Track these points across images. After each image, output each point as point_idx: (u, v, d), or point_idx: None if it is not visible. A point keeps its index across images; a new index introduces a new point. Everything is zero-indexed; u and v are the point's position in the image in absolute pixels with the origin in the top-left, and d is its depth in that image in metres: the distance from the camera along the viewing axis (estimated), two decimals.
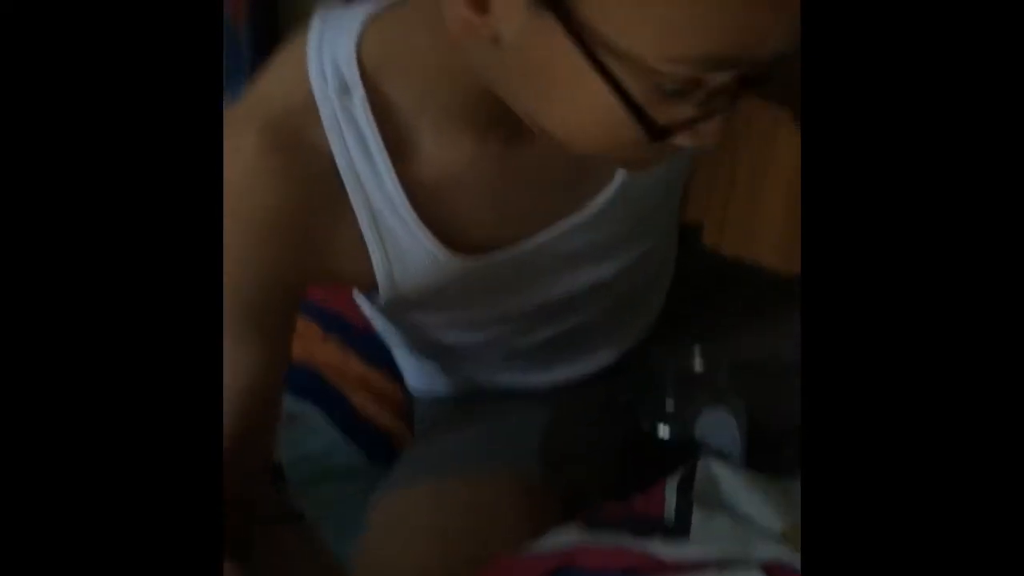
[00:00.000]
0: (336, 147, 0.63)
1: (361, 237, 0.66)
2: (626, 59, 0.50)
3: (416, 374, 0.91)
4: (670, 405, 0.72)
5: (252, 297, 0.63)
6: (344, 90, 0.62)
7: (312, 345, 0.95)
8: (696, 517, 0.63)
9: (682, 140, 0.55)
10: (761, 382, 0.76)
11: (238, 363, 0.62)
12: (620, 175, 0.69)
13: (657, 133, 0.53)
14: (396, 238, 0.66)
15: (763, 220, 1.58)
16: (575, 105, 0.55)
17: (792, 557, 0.57)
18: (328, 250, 0.66)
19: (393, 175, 0.64)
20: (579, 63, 0.51)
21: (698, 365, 0.66)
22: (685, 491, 0.65)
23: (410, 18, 0.61)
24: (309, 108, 0.62)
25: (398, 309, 0.76)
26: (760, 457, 0.73)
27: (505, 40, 0.53)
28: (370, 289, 0.71)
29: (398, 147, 0.64)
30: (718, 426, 0.71)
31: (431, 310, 0.76)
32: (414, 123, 0.64)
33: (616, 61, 0.50)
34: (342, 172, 0.63)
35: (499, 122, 0.63)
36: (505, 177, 0.67)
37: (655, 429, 0.73)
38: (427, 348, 0.84)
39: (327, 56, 0.62)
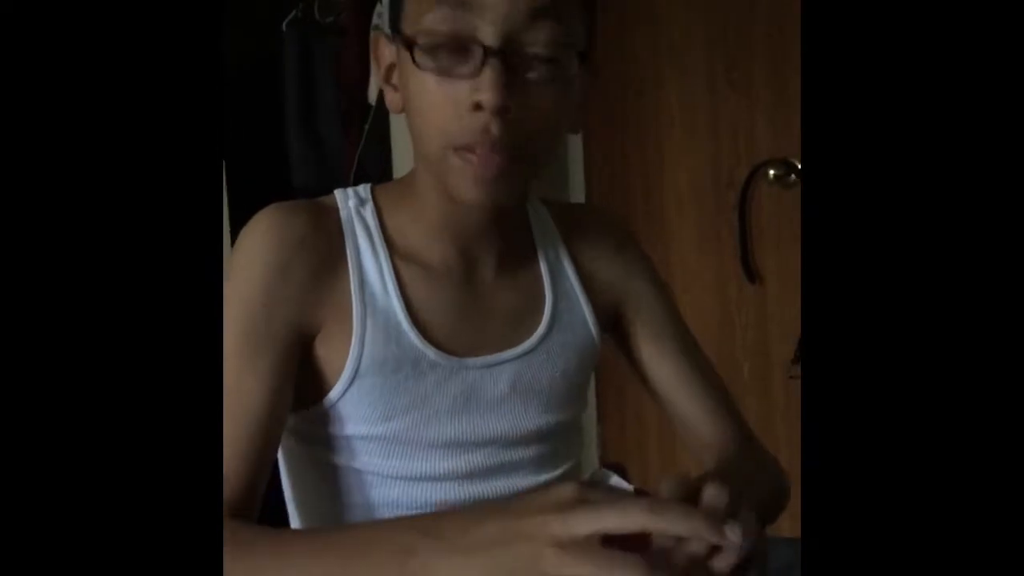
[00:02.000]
0: (347, 230, 0.83)
1: (349, 302, 0.80)
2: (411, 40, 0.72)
3: None
4: None
5: (263, 330, 0.77)
6: (360, 202, 0.86)
7: None
8: None
9: (476, 95, 0.71)
10: None
11: (245, 389, 0.75)
12: (546, 319, 0.88)
13: (470, 104, 0.71)
14: (376, 306, 0.81)
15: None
16: (419, 101, 0.75)
17: None
18: (324, 302, 0.80)
19: (388, 258, 0.83)
20: (407, 62, 0.73)
21: None
22: None
23: (405, 179, 0.87)
24: (332, 207, 0.85)
25: (350, 410, 0.81)
26: None
27: (404, 96, 0.78)
28: (334, 377, 0.81)
29: (393, 242, 0.84)
30: None
31: (380, 421, 0.81)
32: (407, 230, 0.85)
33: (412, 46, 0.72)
34: (348, 250, 0.82)
35: (462, 250, 0.85)
36: (468, 296, 0.85)
37: None
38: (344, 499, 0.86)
39: (350, 191, 0.87)
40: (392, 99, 0.81)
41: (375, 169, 2.06)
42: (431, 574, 0.56)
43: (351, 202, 0.86)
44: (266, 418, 0.76)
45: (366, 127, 2.16)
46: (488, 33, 0.70)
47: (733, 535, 0.54)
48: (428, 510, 0.83)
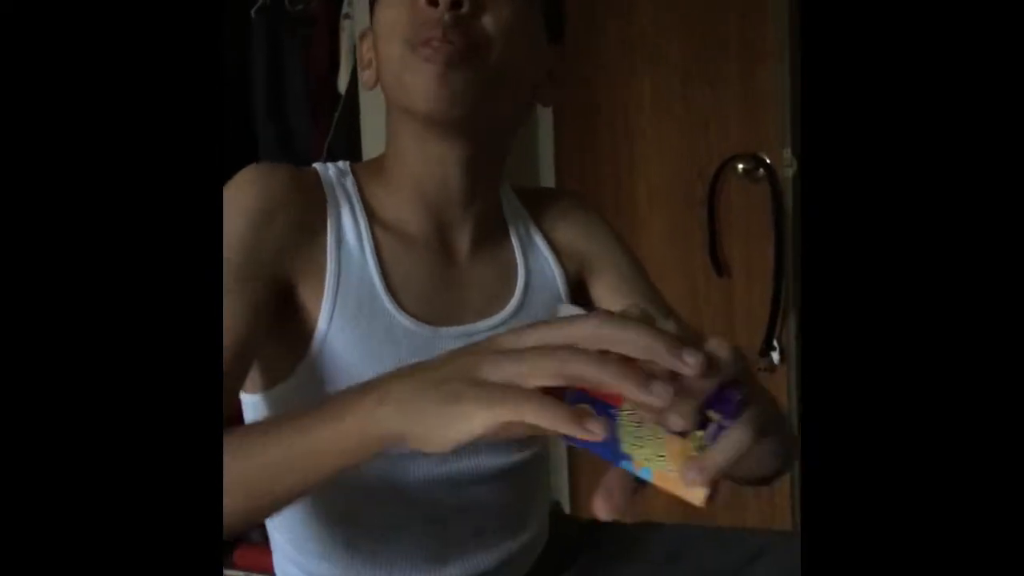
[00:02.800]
0: (329, 194, 0.85)
1: (324, 263, 0.81)
2: None
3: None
4: None
5: (243, 271, 0.76)
6: (341, 174, 0.88)
7: None
8: None
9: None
10: None
11: (225, 314, 0.74)
12: (519, 289, 0.89)
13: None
14: (352, 268, 0.82)
15: None
16: (387, 17, 0.79)
17: None
18: (302, 256, 0.81)
19: (367, 225, 0.84)
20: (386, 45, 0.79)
21: None
22: None
23: (379, 158, 0.90)
24: (313, 172, 0.87)
25: (324, 375, 0.81)
26: None
27: (377, 69, 0.83)
28: (309, 335, 0.80)
29: (373, 210, 0.86)
30: None
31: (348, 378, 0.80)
32: (386, 202, 0.87)
33: None
34: (329, 211, 0.84)
35: (438, 223, 0.86)
36: (444, 268, 0.86)
37: None
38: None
39: (329, 164, 0.89)
40: (367, 77, 0.85)
41: (344, 159, 2.04)
42: (391, 402, 0.54)
43: (332, 172, 0.88)
44: (240, 344, 0.74)
45: (335, 116, 2.15)
46: None
47: (692, 360, 0.48)
48: (404, 485, 0.84)
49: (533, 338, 0.51)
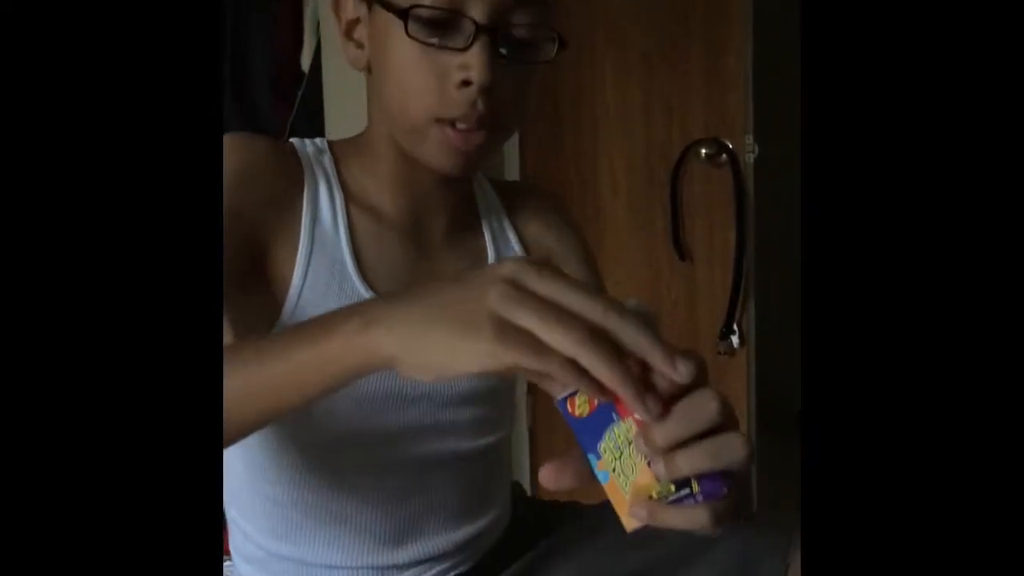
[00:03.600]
0: (306, 169, 0.84)
1: (297, 237, 0.81)
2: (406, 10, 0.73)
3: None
4: None
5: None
6: (318, 151, 0.87)
7: None
8: None
9: (465, 72, 0.73)
10: None
11: None
12: None
13: (451, 81, 0.74)
14: (325, 245, 0.82)
15: None
16: (401, 70, 0.76)
17: None
18: (275, 227, 0.80)
19: (343, 203, 0.84)
20: (389, 28, 0.75)
21: None
22: None
23: (360, 137, 0.88)
24: (291, 149, 0.86)
25: None
26: None
27: (370, 56, 0.80)
28: (277, 309, 0.80)
29: (349, 190, 0.85)
30: None
31: None
32: (363, 183, 0.86)
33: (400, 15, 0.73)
34: (306, 186, 0.83)
35: (413, 210, 0.86)
36: (417, 254, 0.86)
37: None
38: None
39: (307, 141, 0.88)
40: (355, 56, 0.82)
41: (308, 137, 2.03)
42: (382, 325, 0.53)
43: (309, 148, 0.87)
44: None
45: (299, 95, 2.13)
46: (479, 10, 0.73)
47: (685, 368, 0.49)
48: (364, 466, 0.84)
49: (549, 287, 0.50)
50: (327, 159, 0.87)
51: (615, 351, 0.49)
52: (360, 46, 0.82)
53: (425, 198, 0.86)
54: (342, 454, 0.84)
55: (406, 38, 0.73)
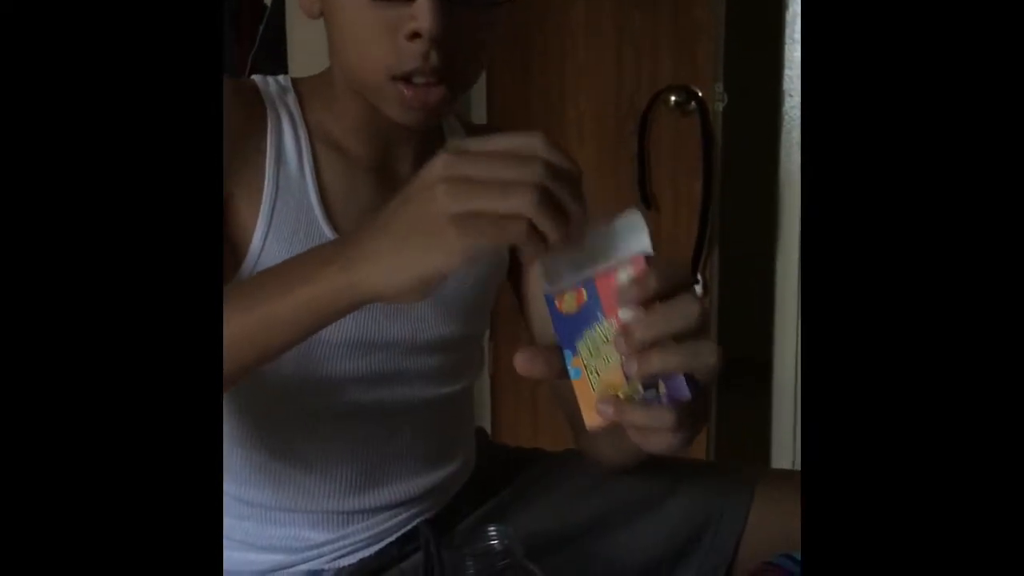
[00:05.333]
0: (269, 108, 0.82)
1: (262, 182, 0.78)
2: None
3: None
4: None
5: None
6: (282, 90, 0.85)
7: None
8: None
9: (414, 24, 0.70)
10: (555, 547, 0.89)
11: None
12: None
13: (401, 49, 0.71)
14: (291, 189, 0.79)
15: None
16: (351, 24, 0.74)
17: None
18: (237, 170, 0.78)
19: (308, 144, 0.81)
20: None
21: (497, 544, 0.70)
22: None
23: (323, 76, 0.84)
24: (253, 87, 0.83)
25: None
26: None
27: (321, 7, 0.76)
28: (242, 252, 0.79)
29: (314, 130, 0.83)
30: None
31: None
32: (328, 123, 0.83)
33: None
34: (269, 127, 0.80)
35: (380, 149, 0.84)
36: (385, 195, 0.80)
37: None
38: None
39: (269, 78, 0.85)
40: (308, 3, 0.79)
41: (269, 74, 1.99)
42: (360, 264, 0.55)
43: (272, 87, 0.84)
44: None
45: (260, 29, 2.07)
46: None
47: (575, 209, 0.53)
48: (332, 413, 0.83)
49: (483, 167, 0.52)
50: (291, 98, 0.84)
51: (559, 204, 0.52)
52: None
53: (392, 140, 0.84)
54: (305, 400, 0.83)
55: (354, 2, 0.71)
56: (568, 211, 0.52)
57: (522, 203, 0.50)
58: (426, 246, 0.52)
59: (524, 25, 2.16)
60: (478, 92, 2.25)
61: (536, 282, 0.92)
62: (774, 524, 0.88)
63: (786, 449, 2.12)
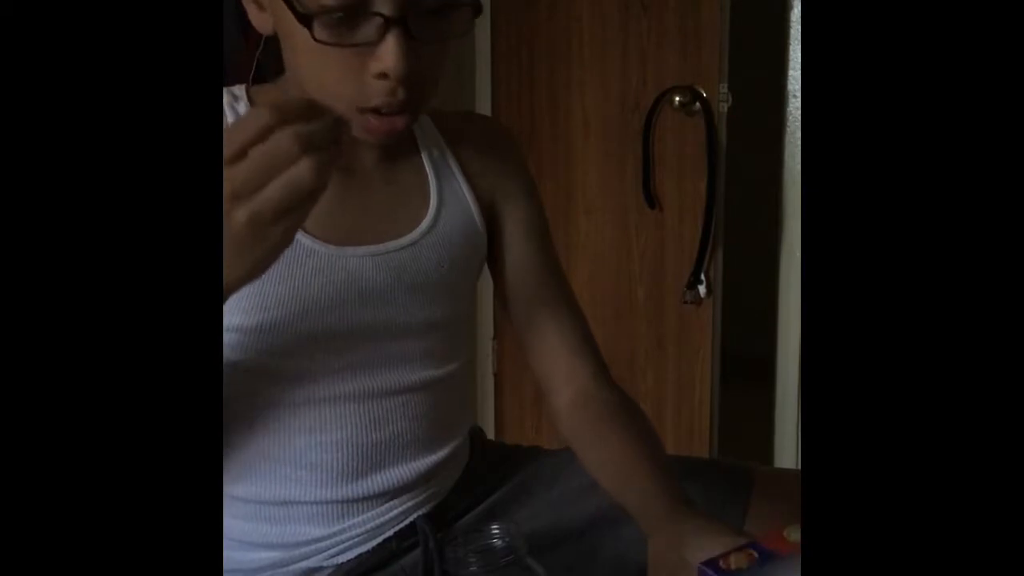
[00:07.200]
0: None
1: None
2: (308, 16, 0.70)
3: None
4: None
5: None
6: (234, 98, 0.85)
7: None
8: None
9: (380, 66, 0.71)
10: (554, 545, 0.90)
11: None
12: (432, 209, 0.88)
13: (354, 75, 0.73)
14: None
15: None
16: (313, 66, 0.75)
17: None
18: None
19: None
20: (293, 23, 0.71)
21: (499, 541, 0.70)
22: None
23: (280, 83, 0.87)
24: None
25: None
26: None
27: (277, 27, 0.77)
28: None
29: None
30: None
31: (257, 311, 0.80)
32: None
33: (304, 9, 0.70)
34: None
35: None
36: (347, 187, 0.84)
37: None
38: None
39: (224, 90, 0.85)
40: (259, 20, 0.79)
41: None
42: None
43: (224, 98, 0.85)
44: None
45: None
46: (386, 2, 0.70)
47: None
48: (319, 399, 0.83)
49: (243, 168, 0.56)
50: (243, 106, 0.84)
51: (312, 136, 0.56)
52: (262, 7, 0.78)
53: (355, 141, 0.83)
54: (289, 392, 0.83)
55: (313, 41, 0.71)
56: (323, 137, 0.57)
57: (296, 171, 0.56)
58: (251, 254, 0.58)
59: (530, 25, 2.16)
60: (483, 94, 2.25)
61: (510, 249, 0.95)
62: (774, 522, 0.88)
63: (788, 448, 2.12)
